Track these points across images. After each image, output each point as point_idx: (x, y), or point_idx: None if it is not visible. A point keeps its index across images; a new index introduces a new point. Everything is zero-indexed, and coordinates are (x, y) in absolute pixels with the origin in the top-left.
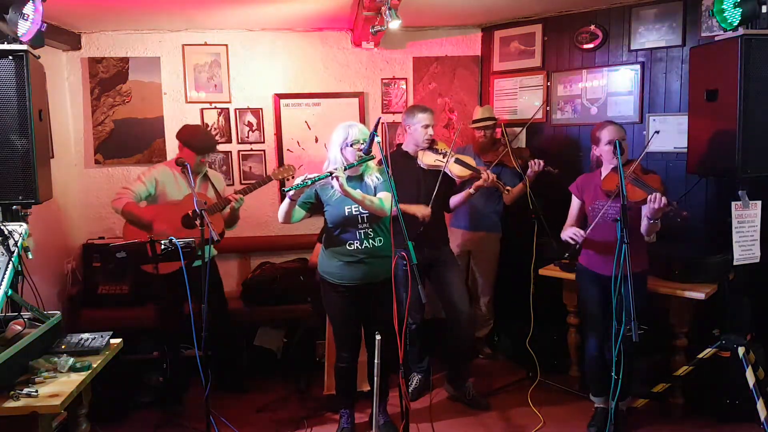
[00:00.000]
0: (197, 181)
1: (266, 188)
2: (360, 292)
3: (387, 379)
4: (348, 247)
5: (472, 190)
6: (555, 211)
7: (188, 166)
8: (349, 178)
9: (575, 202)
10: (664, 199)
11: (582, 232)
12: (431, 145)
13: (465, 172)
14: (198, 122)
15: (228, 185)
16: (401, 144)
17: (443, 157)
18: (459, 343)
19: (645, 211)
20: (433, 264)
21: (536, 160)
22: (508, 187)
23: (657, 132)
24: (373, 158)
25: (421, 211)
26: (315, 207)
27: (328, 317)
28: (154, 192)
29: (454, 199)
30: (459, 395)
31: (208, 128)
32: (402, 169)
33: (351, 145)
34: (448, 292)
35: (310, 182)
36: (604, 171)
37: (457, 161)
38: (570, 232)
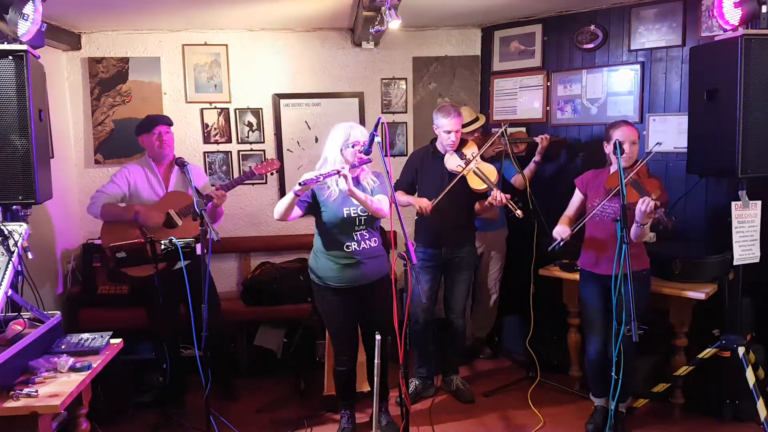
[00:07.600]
0: (176, 176)
1: (265, 188)
2: (356, 293)
3: (387, 378)
4: (345, 249)
5: (486, 204)
6: (555, 211)
7: (188, 165)
8: None
9: (577, 196)
10: (651, 204)
11: (569, 231)
12: (459, 148)
13: (481, 185)
14: (198, 122)
15: None
16: (436, 139)
17: (465, 164)
18: (454, 335)
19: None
20: (449, 263)
21: (543, 136)
22: (519, 212)
23: (659, 143)
24: (371, 161)
25: (420, 203)
26: (311, 207)
27: (325, 321)
28: (128, 193)
29: (480, 205)
30: (446, 387)
31: (208, 128)
32: (429, 166)
33: (352, 146)
34: (449, 292)
35: (322, 178)
36: (612, 169)
37: (476, 172)
38: (557, 231)
